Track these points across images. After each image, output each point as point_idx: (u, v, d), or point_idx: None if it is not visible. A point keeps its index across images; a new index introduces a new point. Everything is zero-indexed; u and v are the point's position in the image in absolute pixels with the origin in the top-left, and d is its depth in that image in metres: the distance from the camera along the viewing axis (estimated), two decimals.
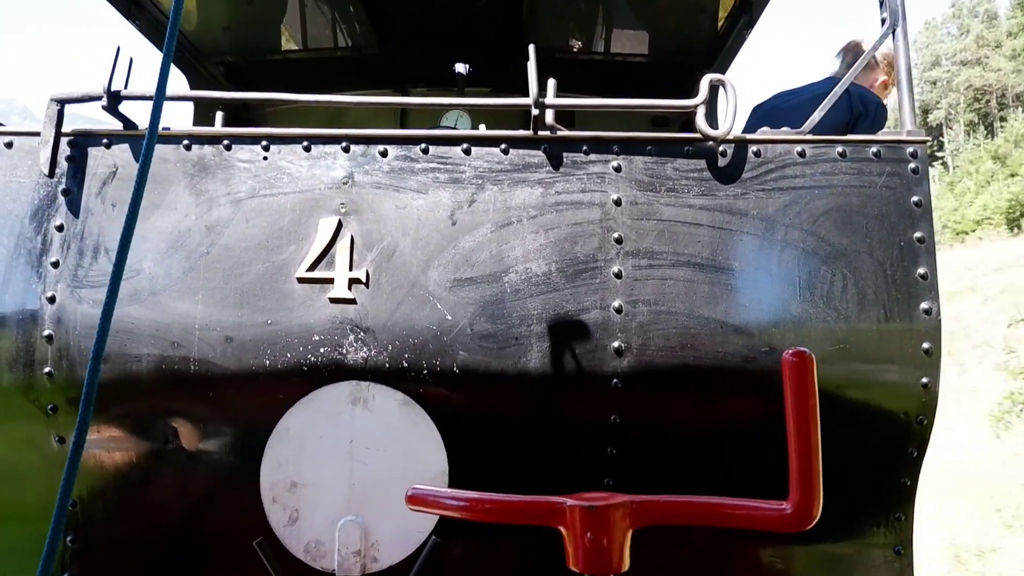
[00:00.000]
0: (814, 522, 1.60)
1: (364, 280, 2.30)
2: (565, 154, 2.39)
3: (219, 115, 2.75)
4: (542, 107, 2.34)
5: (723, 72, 4.83)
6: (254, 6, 4.52)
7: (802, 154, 2.37)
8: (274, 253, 2.33)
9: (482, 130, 2.54)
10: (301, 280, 2.30)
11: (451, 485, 2.21)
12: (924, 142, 2.39)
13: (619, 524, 1.74)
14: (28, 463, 2.34)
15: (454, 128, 4.51)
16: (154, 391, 2.27)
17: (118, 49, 2.31)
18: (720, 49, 4.71)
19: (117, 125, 2.43)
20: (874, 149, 2.37)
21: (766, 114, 3.84)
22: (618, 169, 2.38)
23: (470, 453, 2.29)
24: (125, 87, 2.33)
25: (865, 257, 2.31)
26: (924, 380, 2.27)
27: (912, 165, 2.36)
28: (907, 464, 2.35)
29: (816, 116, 2.37)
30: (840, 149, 2.37)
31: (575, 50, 5.03)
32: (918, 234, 2.32)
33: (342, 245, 2.32)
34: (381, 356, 2.27)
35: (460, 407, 2.30)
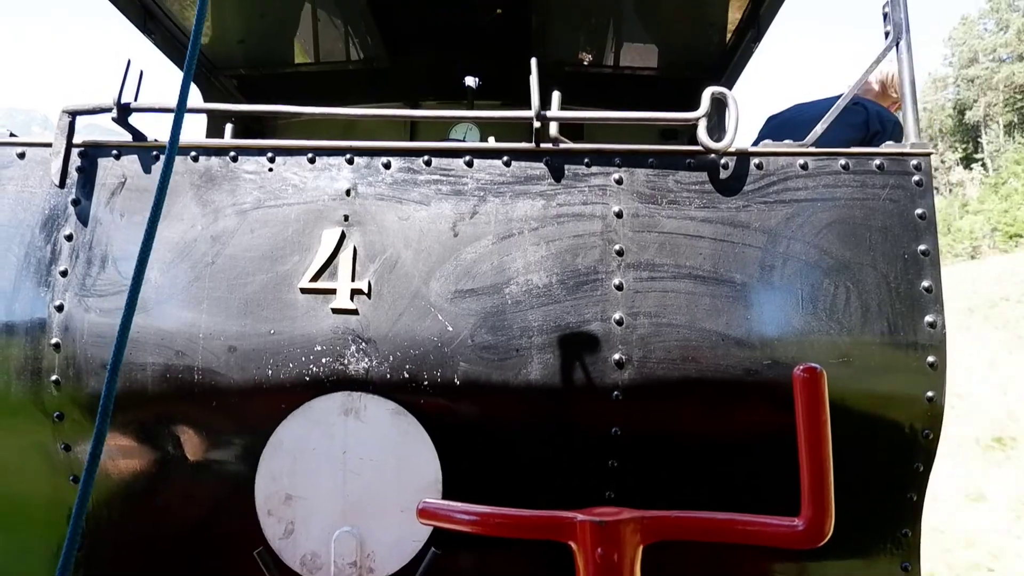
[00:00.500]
0: (826, 539, 1.59)
1: (366, 291, 2.32)
2: (567, 166, 2.40)
3: (228, 127, 2.79)
4: (544, 120, 2.35)
5: (732, 84, 4.85)
6: (268, 20, 4.60)
7: (805, 167, 2.36)
8: (278, 264, 2.35)
9: (492, 142, 2.56)
10: (304, 291, 2.32)
11: (445, 496, 2.21)
12: (928, 155, 2.37)
13: (630, 540, 1.73)
14: (34, 469, 2.37)
15: (463, 140, 4.55)
16: (158, 400, 2.30)
17: (128, 62, 2.36)
18: (728, 62, 4.72)
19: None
20: (877, 162, 2.36)
21: (780, 124, 3.82)
22: (620, 181, 2.38)
23: (468, 464, 2.29)
24: (135, 99, 2.38)
25: (868, 270, 2.29)
26: (929, 394, 2.24)
27: (916, 178, 2.35)
28: (913, 479, 2.32)
29: (819, 129, 2.37)
30: (843, 162, 2.36)
31: (585, 63, 5.06)
32: (922, 247, 2.30)
33: (345, 256, 2.34)
34: (382, 367, 2.28)
35: (459, 418, 2.30)
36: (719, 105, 2.38)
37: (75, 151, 2.44)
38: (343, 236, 2.36)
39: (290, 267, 2.35)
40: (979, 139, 78.66)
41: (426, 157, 2.42)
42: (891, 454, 2.30)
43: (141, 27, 4.16)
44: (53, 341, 2.31)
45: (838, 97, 4.08)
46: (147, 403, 2.30)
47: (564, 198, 2.38)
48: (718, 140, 2.33)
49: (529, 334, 2.28)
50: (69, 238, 2.38)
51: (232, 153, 2.44)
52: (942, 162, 76.56)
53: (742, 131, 2.37)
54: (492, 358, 2.27)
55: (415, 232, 2.37)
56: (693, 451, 2.33)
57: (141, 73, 2.37)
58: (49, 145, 2.41)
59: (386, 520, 2.19)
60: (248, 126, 5.12)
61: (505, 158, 2.41)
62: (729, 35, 4.56)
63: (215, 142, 2.48)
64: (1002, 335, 20.13)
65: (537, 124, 2.36)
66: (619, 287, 2.30)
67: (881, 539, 2.35)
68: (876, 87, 3.95)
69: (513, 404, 2.28)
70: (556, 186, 2.39)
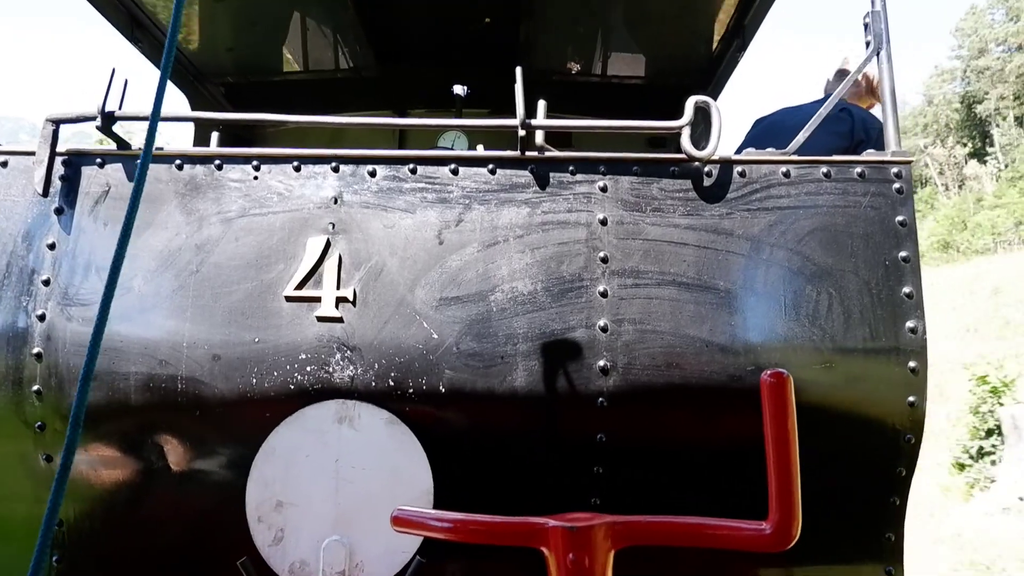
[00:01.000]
0: (793, 542, 1.59)
1: (351, 299, 2.32)
2: (552, 174, 2.41)
3: (214, 136, 2.79)
4: (529, 128, 2.37)
5: (718, 93, 4.89)
6: (256, 28, 4.60)
7: (787, 174, 2.38)
8: (263, 272, 2.35)
9: (480, 150, 2.57)
10: (289, 299, 2.32)
11: (436, 504, 2.20)
12: (908, 162, 2.40)
13: (601, 544, 1.73)
14: (15, 480, 2.34)
15: (451, 149, 4.56)
16: (141, 409, 2.28)
17: (113, 70, 2.36)
18: (715, 71, 4.77)
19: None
20: (859, 169, 2.38)
21: (767, 128, 3.84)
22: (604, 189, 2.40)
23: (456, 472, 2.28)
24: (120, 107, 2.38)
25: (850, 276, 2.31)
26: (911, 399, 2.26)
27: (897, 185, 2.37)
28: (896, 483, 2.33)
29: (801, 137, 2.39)
30: (825, 170, 2.38)
31: (573, 72, 5.08)
32: (903, 253, 2.32)
33: (330, 264, 2.34)
34: (368, 374, 2.28)
35: (446, 426, 2.30)
36: (703, 114, 2.40)
37: (59, 160, 2.43)
38: (328, 244, 2.36)
39: (275, 275, 2.34)
40: (989, 132, 75.86)
41: (412, 165, 2.43)
42: (873, 459, 2.32)
43: (129, 36, 4.16)
44: (35, 351, 2.29)
45: (821, 101, 4.15)
46: (130, 413, 2.29)
47: (549, 205, 2.39)
48: (704, 148, 2.35)
49: (514, 341, 2.29)
50: (52, 247, 2.37)
51: (217, 161, 2.44)
52: (952, 157, 74.06)
53: (729, 138, 2.40)
54: (478, 365, 2.27)
55: (401, 240, 2.37)
56: (678, 457, 2.34)
57: (126, 82, 2.37)
58: (32, 154, 2.40)
59: (376, 530, 2.17)
60: (237, 134, 5.11)
61: (491, 166, 2.42)
62: (715, 44, 4.60)
63: (200, 150, 2.47)
64: None
65: (522, 132, 2.37)
66: (604, 294, 2.31)
67: (864, 544, 2.36)
68: (863, 84, 4.00)
69: (499, 411, 2.28)
70: (541, 194, 2.40)
